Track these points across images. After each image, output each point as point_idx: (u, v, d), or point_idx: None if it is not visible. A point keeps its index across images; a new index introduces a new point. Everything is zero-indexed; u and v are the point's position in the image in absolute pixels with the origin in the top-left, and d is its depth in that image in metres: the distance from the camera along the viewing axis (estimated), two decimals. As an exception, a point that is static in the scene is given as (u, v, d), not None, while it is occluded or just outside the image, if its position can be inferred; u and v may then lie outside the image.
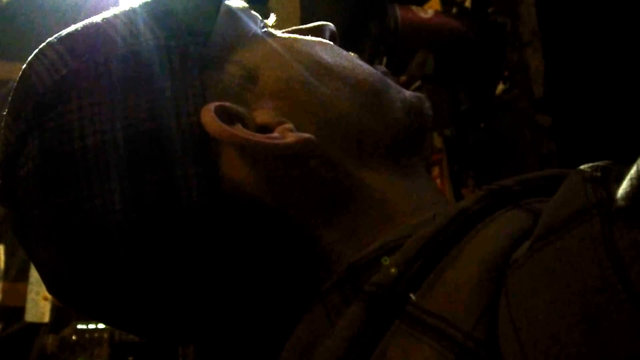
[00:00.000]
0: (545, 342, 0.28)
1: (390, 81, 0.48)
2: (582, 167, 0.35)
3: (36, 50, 0.45)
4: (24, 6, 2.05)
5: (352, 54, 0.50)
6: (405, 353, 0.32)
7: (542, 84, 0.87)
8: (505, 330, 0.30)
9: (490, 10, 1.01)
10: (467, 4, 1.06)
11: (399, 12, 1.00)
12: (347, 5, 1.36)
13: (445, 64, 1.04)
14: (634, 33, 0.80)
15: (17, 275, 2.01)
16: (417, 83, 1.13)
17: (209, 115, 0.39)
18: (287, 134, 0.40)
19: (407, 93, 0.48)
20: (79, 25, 0.45)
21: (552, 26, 0.90)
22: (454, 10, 1.09)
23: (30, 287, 1.92)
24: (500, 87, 0.96)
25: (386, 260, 0.37)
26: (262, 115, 0.42)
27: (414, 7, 1.03)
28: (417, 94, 0.49)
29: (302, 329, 0.38)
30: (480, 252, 0.34)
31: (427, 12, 1.03)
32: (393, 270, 0.35)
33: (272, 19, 0.49)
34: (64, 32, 0.45)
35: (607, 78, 0.83)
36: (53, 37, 0.45)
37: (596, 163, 0.35)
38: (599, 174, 0.34)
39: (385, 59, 1.07)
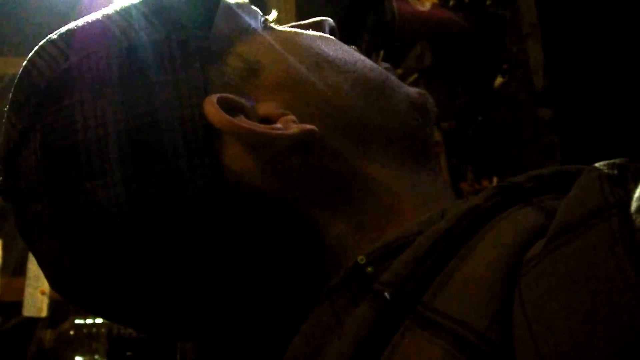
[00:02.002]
0: (566, 347, 0.27)
1: (392, 76, 0.48)
2: (597, 164, 0.34)
3: (36, 47, 0.44)
4: (18, 2, 2.04)
5: (353, 46, 0.50)
6: (416, 354, 0.31)
7: (543, 76, 0.87)
8: (521, 335, 0.29)
9: (488, 2, 1.01)
10: (465, -4, 1.06)
11: (395, 4, 1.00)
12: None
13: (443, 57, 1.04)
14: (634, 22, 0.80)
15: (14, 270, 2.01)
16: (414, 76, 1.13)
17: (212, 107, 0.39)
18: (290, 125, 0.40)
19: (410, 89, 0.48)
20: (79, 22, 0.44)
21: (551, 17, 0.90)
22: (452, 2, 1.09)
23: (27, 281, 1.92)
24: (499, 80, 0.96)
25: (362, 259, 0.36)
26: (265, 107, 0.42)
27: (411, 0, 1.03)
28: (420, 90, 0.49)
29: (308, 327, 0.37)
30: (491, 251, 0.33)
31: (425, 4, 1.03)
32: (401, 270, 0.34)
33: (273, 14, 0.49)
34: (63, 28, 0.45)
35: (609, 69, 0.83)
36: (53, 34, 0.45)
37: (612, 160, 0.34)
38: (615, 172, 0.33)
39: (382, 52, 1.07)
